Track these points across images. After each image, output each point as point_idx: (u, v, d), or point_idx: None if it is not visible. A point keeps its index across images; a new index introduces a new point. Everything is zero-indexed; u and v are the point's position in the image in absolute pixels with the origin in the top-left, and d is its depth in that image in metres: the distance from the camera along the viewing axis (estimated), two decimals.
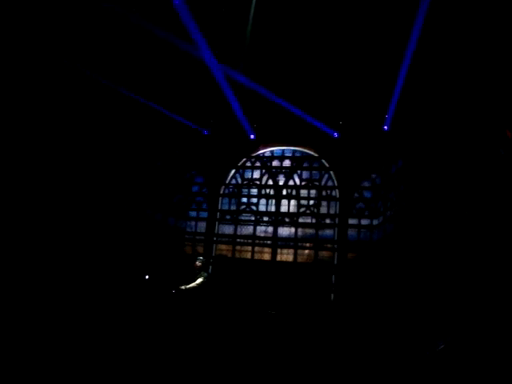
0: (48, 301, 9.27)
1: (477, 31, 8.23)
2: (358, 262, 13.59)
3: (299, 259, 14.32)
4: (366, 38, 11.77)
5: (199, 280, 9.14)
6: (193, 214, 15.72)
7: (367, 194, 14.18)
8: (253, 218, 15.07)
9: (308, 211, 14.61)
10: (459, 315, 6.97)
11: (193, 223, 15.60)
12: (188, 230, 15.58)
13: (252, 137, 15.06)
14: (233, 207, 15.38)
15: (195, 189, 15.93)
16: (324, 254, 14.17)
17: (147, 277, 12.38)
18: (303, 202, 14.73)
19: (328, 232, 14.29)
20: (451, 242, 8.50)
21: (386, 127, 13.40)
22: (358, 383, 6.17)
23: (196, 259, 9.85)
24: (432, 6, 9.41)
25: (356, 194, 14.24)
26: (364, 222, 13.97)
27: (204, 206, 15.65)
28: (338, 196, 14.39)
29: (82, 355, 6.20)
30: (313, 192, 14.76)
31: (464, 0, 8.31)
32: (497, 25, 7.82)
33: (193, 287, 8.99)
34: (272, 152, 15.45)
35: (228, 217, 15.36)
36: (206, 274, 9.52)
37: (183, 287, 8.98)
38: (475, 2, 8.13)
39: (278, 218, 14.78)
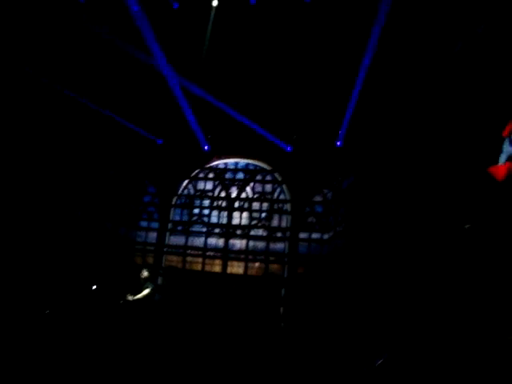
0: None
1: (424, 53, 8.51)
2: (308, 275, 13.70)
3: (250, 272, 14.32)
4: (320, 53, 12.00)
5: (145, 291, 9.03)
6: (144, 224, 15.50)
7: (319, 209, 14.35)
8: (204, 230, 14.99)
9: (260, 224, 14.66)
10: (398, 330, 7.10)
11: (143, 233, 15.38)
12: (139, 240, 15.34)
13: (206, 148, 15.02)
14: (185, 218, 15.26)
15: (147, 199, 15.73)
16: (274, 267, 14.23)
17: (94, 287, 12.09)
18: (255, 214, 14.78)
19: (279, 245, 14.38)
20: (395, 258, 8.68)
21: (338, 143, 13.61)
22: None
23: (142, 270, 9.72)
24: (386, 26, 9.69)
25: (308, 209, 14.38)
26: (315, 236, 14.10)
27: (155, 216, 15.47)
28: (289, 210, 14.48)
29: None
30: (265, 205, 14.82)
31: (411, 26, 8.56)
32: (441, 50, 8.11)
33: (138, 298, 8.86)
34: (226, 164, 15.45)
35: (179, 228, 15.24)
36: (152, 286, 9.41)
37: (130, 298, 8.85)
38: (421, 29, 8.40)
39: (229, 230, 14.75)
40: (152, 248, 15.11)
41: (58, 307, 10.70)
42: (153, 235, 15.32)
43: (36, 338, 8.12)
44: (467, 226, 6.93)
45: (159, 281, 14.44)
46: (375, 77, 10.81)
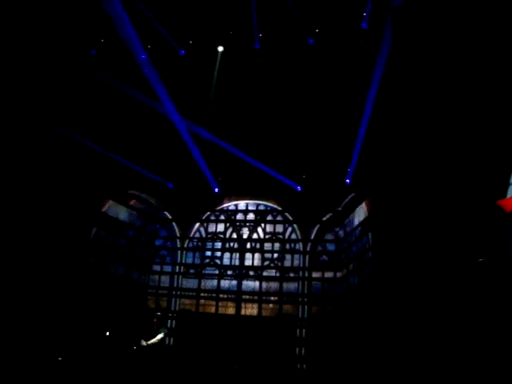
0: None
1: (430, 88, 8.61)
2: (323, 314, 13.57)
3: (264, 313, 14.19)
4: (326, 93, 12.22)
5: (159, 336, 8.94)
6: (156, 267, 15.49)
7: (330, 247, 14.31)
8: (217, 272, 14.96)
9: (272, 264, 14.61)
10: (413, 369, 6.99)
11: (156, 277, 15.35)
12: (151, 284, 15.32)
13: (216, 190, 15.18)
14: (197, 261, 15.26)
15: (159, 242, 15.78)
16: (288, 307, 14.10)
17: (108, 333, 12.06)
18: (267, 255, 14.75)
19: (292, 285, 14.27)
20: (410, 297, 8.58)
21: (348, 181, 13.68)
22: None
23: (155, 315, 9.69)
24: (389, 62, 9.90)
25: (320, 247, 14.36)
26: (328, 274, 14.02)
27: (168, 259, 15.48)
28: (301, 249, 14.46)
29: None
30: (277, 245, 14.80)
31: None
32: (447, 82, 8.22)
33: (153, 343, 8.80)
34: (236, 205, 15.55)
35: (192, 270, 15.22)
36: (165, 330, 9.34)
37: (144, 343, 8.78)
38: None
39: (242, 272, 14.71)
40: (165, 292, 15.07)
41: (71, 354, 10.66)
42: (165, 279, 15.30)
43: None
44: (481, 260, 6.90)
45: (172, 324, 14.34)
46: (381, 113, 10.95)
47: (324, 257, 14.25)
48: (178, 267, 15.29)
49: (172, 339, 13.81)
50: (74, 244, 12.10)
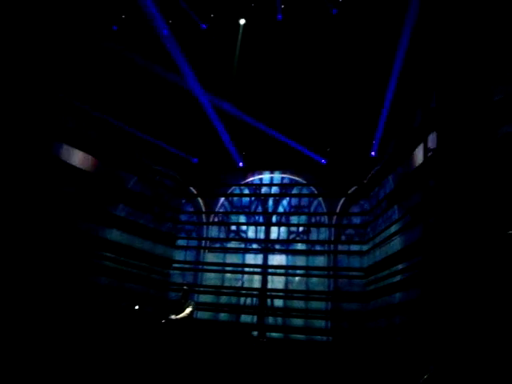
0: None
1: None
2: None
3: (290, 287, 14.23)
4: (351, 64, 11.99)
5: (188, 310, 9.05)
6: (182, 242, 15.63)
7: (356, 220, 14.21)
8: (242, 246, 15.02)
9: (298, 238, 14.59)
10: (444, 342, 6.92)
11: (181, 252, 15.50)
12: (177, 258, 15.47)
13: (240, 164, 15.15)
14: (222, 235, 15.33)
15: (184, 217, 15.88)
16: (314, 281, 14.09)
17: (137, 307, 12.23)
18: (293, 228, 14.72)
19: (318, 259, 14.24)
20: (440, 270, 8.48)
21: (373, 153, 13.51)
22: None
23: (182, 289, 9.77)
24: (415, 32, 9.64)
25: (345, 220, 14.28)
26: (354, 248, 13.96)
27: (193, 234, 15.58)
28: (327, 222, 14.39)
29: None
30: (302, 218, 14.75)
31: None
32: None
33: (182, 317, 8.91)
34: (261, 179, 15.50)
35: (217, 245, 15.30)
36: (193, 303, 9.44)
37: (173, 317, 8.90)
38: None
39: (267, 246, 14.74)
40: (191, 266, 15.21)
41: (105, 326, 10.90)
42: (191, 253, 15.44)
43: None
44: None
45: (199, 298, 14.49)
46: (407, 85, 10.72)
47: (350, 230, 14.16)
48: (203, 242, 15.40)
49: (199, 313, 13.97)
50: (101, 220, 12.26)
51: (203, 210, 15.64)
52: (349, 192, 14.30)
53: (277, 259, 14.56)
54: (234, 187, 15.64)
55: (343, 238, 14.14)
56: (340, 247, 14.14)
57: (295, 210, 14.91)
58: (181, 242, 15.66)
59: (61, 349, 7.71)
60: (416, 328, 8.82)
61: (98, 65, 11.45)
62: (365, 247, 13.67)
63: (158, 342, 8.98)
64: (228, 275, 14.87)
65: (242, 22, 12.22)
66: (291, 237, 14.67)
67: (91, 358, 7.75)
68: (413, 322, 9.18)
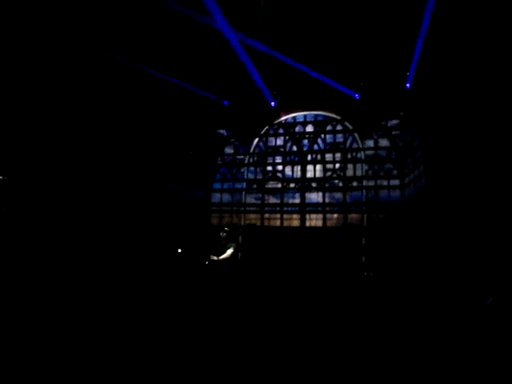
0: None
1: None
2: (389, 222, 13.50)
3: (328, 224, 14.28)
4: None
5: (229, 251, 9.16)
6: (218, 185, 15.77)
7: (391, 155, 13.99)
8: (279, 186, 15.04)
9: (334, 175, 14.50)
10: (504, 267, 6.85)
11: (218, 195, 15.66)
12: (214, 201, 15.65)
13: (273, 104, 14.93)
14: (259, 176, 15.37)
15: (219, 160, 15.97)
16: (353, 216, 14.09)
17: (179, 250, 12.53)
18: (329, 166, 14.62)
19: (356, 194, 14.19)
20: (487, 197, 8.33)
21: (408, 85, 13.10)
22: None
23: (222, 230, 9.86)
24: None
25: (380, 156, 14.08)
26: (392, 182, 13.80)
27: (229, 176, 15.67)
28: (363, 158, 14.22)
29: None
30: (338, 155, 14.61)
31: None
32: None
33: (224, 258, 9.04)
34: (294, 118, 15.32)
35: (255, 186, 15.36)
36: (234, 245, 9.53)
37: (215, 258, 9.02)
38: None
39: (304, 184, 14.71)
40: (229, 208, 15.37)
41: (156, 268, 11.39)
42: (226, 196, 15.61)
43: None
44: None
45: (239, 239, 14.70)
46: (444, 12, 10.22)
47: (388, 164, 13.97)
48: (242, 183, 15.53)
49: (240, 253, 14.20)
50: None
51: (238, 151, 15.67)
52: (383, 126, 14.01)
53: (314, 197, 14.56)
54: (267, 127, 15.50)
55: (381, 173, 13.98)
56: (377, 182, 14.02)
57: (331, 147, 14.73)
58: (216, 186, 15.78)
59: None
60: None
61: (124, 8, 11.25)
62: (403, 181, 13.53)
63: (206, 280, 9.19)
64: (267, 216, 14.99)
65: None
66: (327, 174, 14.57)
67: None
68: None
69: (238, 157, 15.68)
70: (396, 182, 13.73)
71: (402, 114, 13.59)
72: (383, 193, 13.86)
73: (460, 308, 7.07)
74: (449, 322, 6.65)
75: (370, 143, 14.24)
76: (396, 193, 13.65)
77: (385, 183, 13.88)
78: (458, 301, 7.53)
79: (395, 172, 13.77)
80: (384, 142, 14.13)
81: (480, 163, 8.93)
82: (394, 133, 13.95)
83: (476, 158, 9.10)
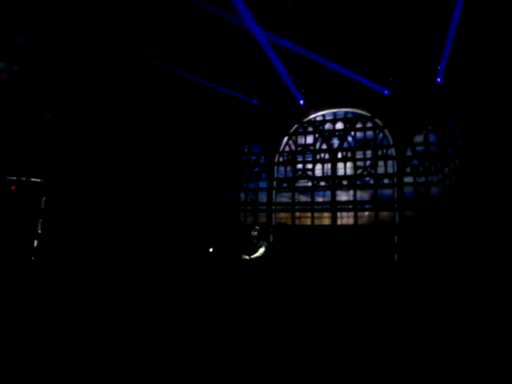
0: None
1: None
2: (418, 219, 13.34)
3: (359, 221, 14.19)
4: None
5: (261, 250, 9.17)
6: (249, 184, 15.83)
7: (423, 152, 13.80)
8: (310, 184, 15.00)
9: (365, 172, 14.39)
10: None
11: (250, 194, 15.74)
12: (243, 200, 15.76)
13: (301, 102, 14.91)
14: (289, 175, 15.36)
15: (252, 159, 16.08)
16: (384, 214, 13.96)
17: (211, 249, 12.63)
18: (359, 163, 14.52)
19: (387, 192, 14.04)
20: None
21: (439, 79, 12.89)
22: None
23: (253, 229, 9.86)
24: None
25: (410, 152, 13.89)
26: (421, 179, 13.62)
27: (263, 175, 15.72)
28: (394, 154, 14.07)
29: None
30: (368, 152, 14.49)
31: None
32: None
33: (256, 257, 9.06)
34: (323, 115, 15.26)
35: (285, 184, 15.35)
36: (266, 244, 9.53)
37: (247, 257, 9.05)
38: None
39: (335, 182, 14.64)
40: (261, 208, 15.40)
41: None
42: (259, 194, 15.67)
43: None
44: None
45: (270, 238, 14.71)
46: (476, 4, 10.03)
47: (415, 161, 13.79)
48: (272, 182, 15.52)
49: (271, 252, 14.20)
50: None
51: (268, 150, 15.68)
52: (414, 122, 13.83)
53: (345, 195, 14.48)
54: (296, 126, 15.48)
55: (408, 169, 13.82)
56: (408, 179, 13.85)
57: (361, 144, 14.62)
58: (249, 185, 15.88)
59: None
60: None
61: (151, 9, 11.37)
62: (433, 178, 13.34)
63: (239, 279, 9.24)
64: (297, 214, 14.98)
65: None
66: (358, 172, 14.47)
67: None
68: None
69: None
70: (424, 180, 13.57)
71: (431, 111, 13.38)
72: (417, 190, 13.71)
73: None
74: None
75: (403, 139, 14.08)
76: (433, 190, 13.45)
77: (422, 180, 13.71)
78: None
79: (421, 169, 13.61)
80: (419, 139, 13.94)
81: None
82: (428, 132, 13.75)
83: None
